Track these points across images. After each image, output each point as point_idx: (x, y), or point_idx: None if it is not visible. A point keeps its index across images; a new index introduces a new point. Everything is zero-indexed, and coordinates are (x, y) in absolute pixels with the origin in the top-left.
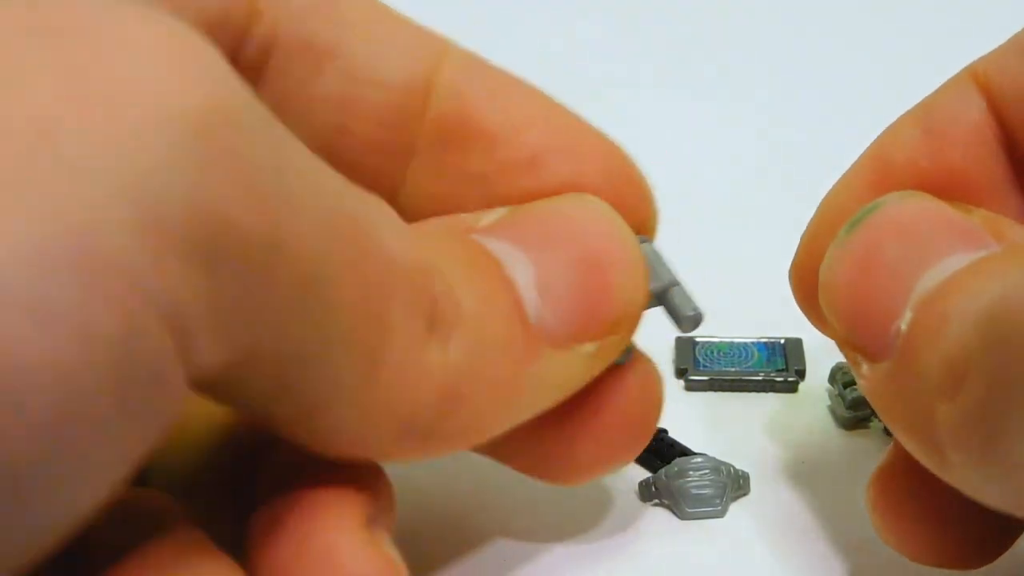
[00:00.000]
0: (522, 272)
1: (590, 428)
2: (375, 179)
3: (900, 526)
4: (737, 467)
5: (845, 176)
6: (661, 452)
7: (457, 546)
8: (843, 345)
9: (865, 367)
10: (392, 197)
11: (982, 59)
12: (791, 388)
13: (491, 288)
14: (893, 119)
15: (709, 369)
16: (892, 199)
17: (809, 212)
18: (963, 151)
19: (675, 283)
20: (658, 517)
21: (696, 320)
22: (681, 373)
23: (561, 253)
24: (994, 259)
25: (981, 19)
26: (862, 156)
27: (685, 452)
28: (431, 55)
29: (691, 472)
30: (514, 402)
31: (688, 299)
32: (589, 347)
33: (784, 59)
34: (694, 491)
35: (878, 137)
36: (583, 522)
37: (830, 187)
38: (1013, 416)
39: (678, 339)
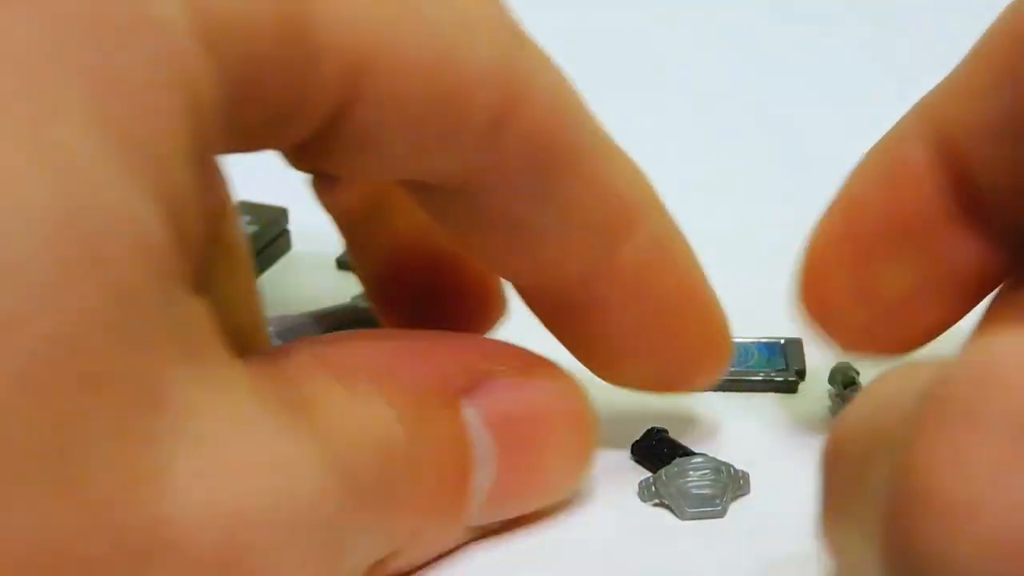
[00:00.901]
0: (485, 474)
1: None
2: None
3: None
4: (737, 467)
5: (822, 220)
6: (661, 452)
7: None
8: None
9: None
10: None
11: (927, 99)
12: (791, 388)
13: (448, 488)
14: (890, 118)
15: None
16: None
17: (809, 212)
18: (914, 196)
19: None
20: (658, 517)
21: None
22: None
23: (525, 465)
24: None
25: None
26: (835, 198)
27: (686, 452)
28: (615, 239)
29: (691, 472)
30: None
31: None
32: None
33: (784, 58)
34: (694, 491)
35: (842, 185)
36: (582, 521)
37: (807, 232)
38: None
39: None
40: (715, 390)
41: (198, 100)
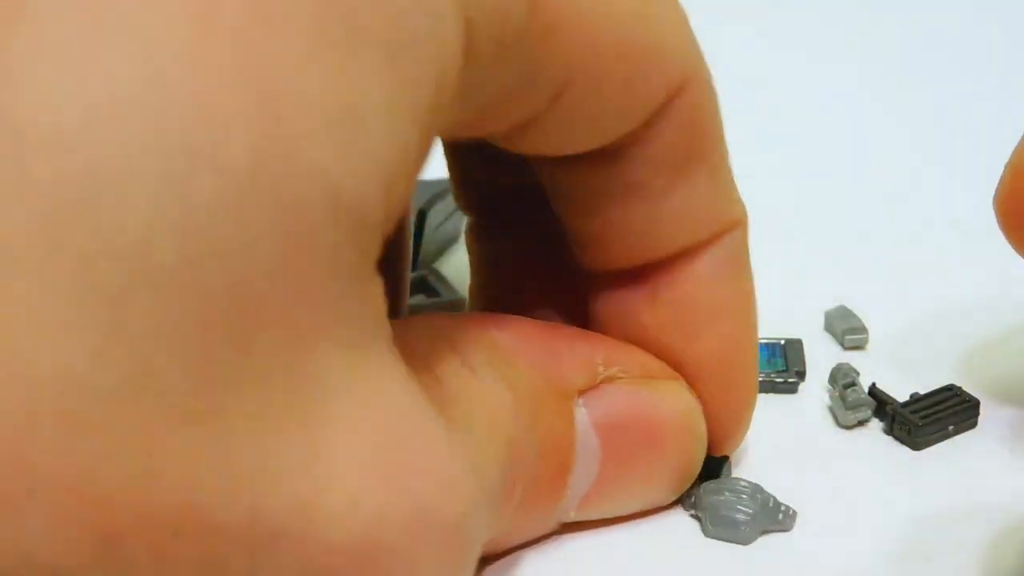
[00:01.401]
0: (585, 474)
1: None
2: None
3: None
4: (784, 503)
5: None
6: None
7: None
8: None
9: None
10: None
11: None
12: (791, 389)
13: (545, 480)
14: (889, 117)
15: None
16: None
17: (809, 213)
18: None
19: None
20: (688, 526)
21: None
22: None
23: (627, 472)
24: None
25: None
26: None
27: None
28: (717, 229)
29: (727, 492)
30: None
31: None
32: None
33: (784, 55)
34: (723, 512)
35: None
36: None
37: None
38: None
39: None
40: None
41: (444, 72)
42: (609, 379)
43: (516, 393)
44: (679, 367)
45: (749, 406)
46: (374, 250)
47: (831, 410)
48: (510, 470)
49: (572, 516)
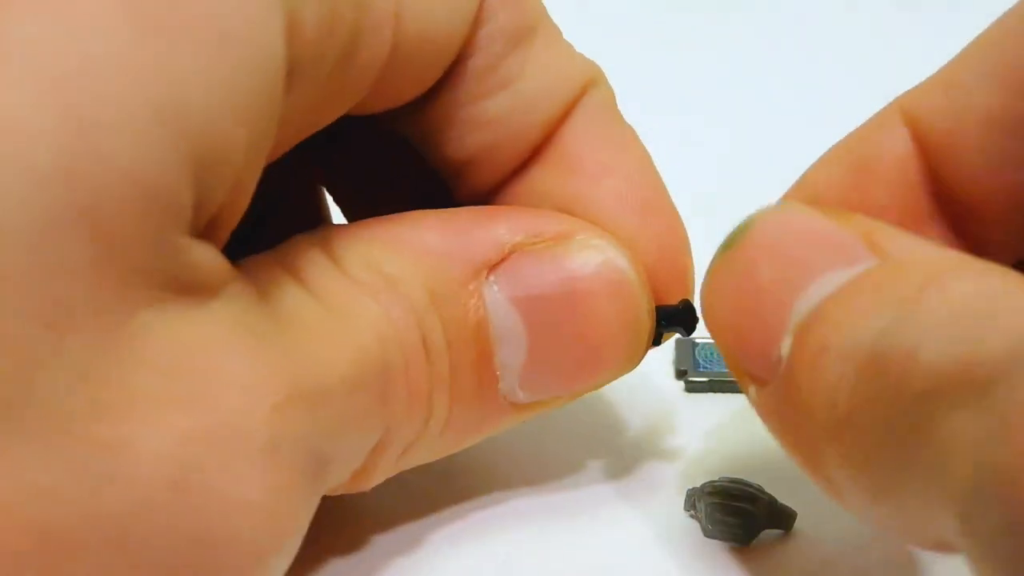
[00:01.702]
0: (511, 352)
1: None
2: (487, 187)
3: None
4: (784, 504)
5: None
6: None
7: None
8: (731, 368)
9: (752, 390)
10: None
11: (908, 93)
12: None
13: (468, 368)
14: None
15: (709, 371)
16: (763, 214)
17: None
18: (887, 187)
19: None
20: (685, 525)
21: None
22: (681, 375)
23: (561, 338)
24: (867, 284)
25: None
26: (791, 190)
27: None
28: (579, 90)
29: (727, 493)
30: (469, 444)
31: None
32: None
33: (783, 60)
34: (721, 513)
35: (806, 171)
36: (618, 513)
37: None
38: (901, 468)
39: (678, 341)
40: (715, 391)
41: (265, 69)
42: (518, 248)
43: (402, 287)
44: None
45: (679, 237)
46: (189, 220)
47: None
48: (386, 367)
49: (522, 396)
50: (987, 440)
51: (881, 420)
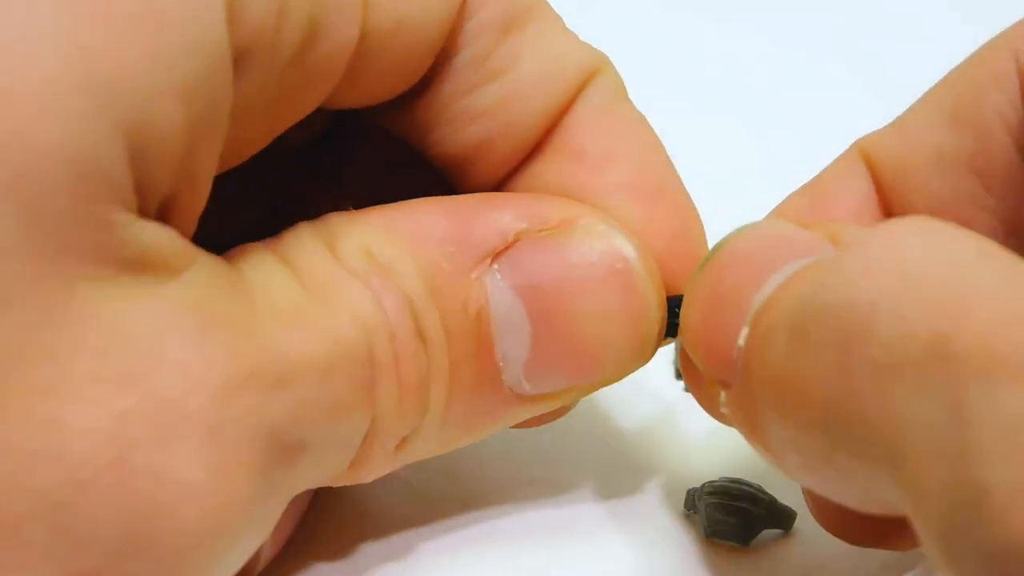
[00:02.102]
0: (514, 343)
1: None
2: (490, 182)
3: (833, 513)
4: (784, 504)
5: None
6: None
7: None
8: (704, 383)
9: (722, 396)
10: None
11: (869, 136)
12: None
13: (468, 358)
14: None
15: None
16: (734, 233)
17: None
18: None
19: None
20: (686, 525)
21: None
22: (680, 375)
23: (567, 328)
24: (819, 261)
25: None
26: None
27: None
28: (581, 79)
29: (727, 493)
30: (478, 437)
31: None
32: (572, 395)
33: (783, 65)
34: (719, 513)
35: (778, 205)
36: (619, 509)
37: None
38: (835, 443)
39: (678, 341)
40: None
41: (207, 50)
42: (522, 235)
43: (397, 274)
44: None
45: (691, 225)
46: (145, 206)
47: None
48: (371, 356)
49: (528, 388)
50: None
51: (816, 383)
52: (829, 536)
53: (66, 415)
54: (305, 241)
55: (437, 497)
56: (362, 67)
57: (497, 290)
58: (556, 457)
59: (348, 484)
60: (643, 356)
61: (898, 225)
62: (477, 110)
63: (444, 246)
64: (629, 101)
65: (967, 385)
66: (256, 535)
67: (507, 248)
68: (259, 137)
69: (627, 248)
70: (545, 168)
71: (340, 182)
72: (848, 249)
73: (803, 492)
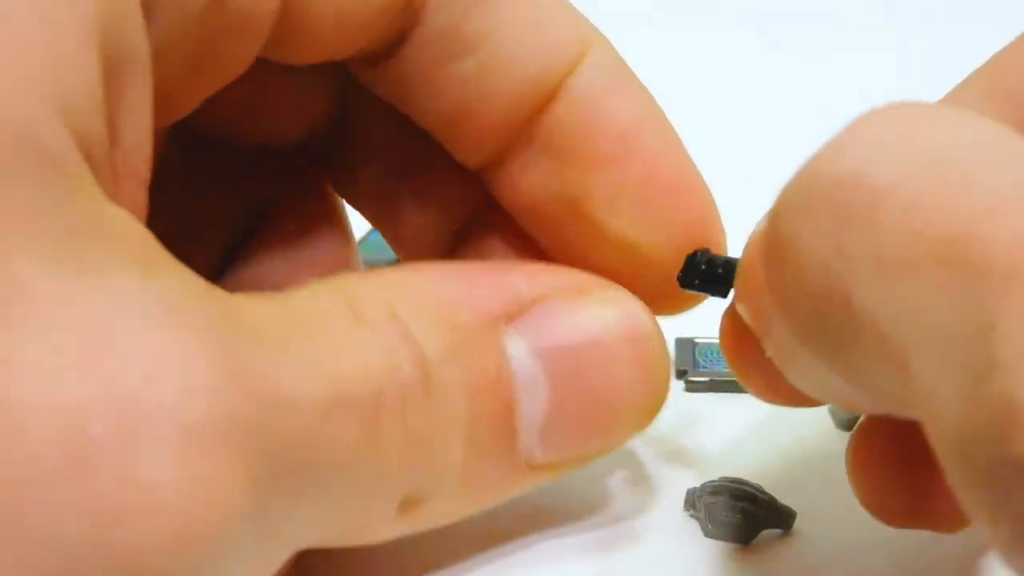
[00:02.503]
0: (533, 405)
1: None
2: (479, 156)
3: (875, 488)
4: (784, 504)
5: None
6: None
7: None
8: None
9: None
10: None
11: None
12: None
13: (488, 419)
14: None
15: (708, 370)
16: None
17: None
18: None
19: None
20: (686, 525)
21: None
22: (681, 374)
23: (581, 393)
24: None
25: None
26: None
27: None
28: (572, 53)
29: (727, 493)
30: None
31: None
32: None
33: (777, 55)
34: (723, 512)
35: (945, 96)
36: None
37: None
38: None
39: (678, 340)
40: (715, 391)
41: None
42: (539, 300)
43: (414, 331)
44: (614, 201)
45: (705, 217)
46: (79, 177)
47: (830, 411)
48: (377, 400)
49: (539, 455)
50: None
51: (815, 273)
52: (829, 536)
53: (21, 391)
54: (319, 292)
55: None
56: (299, 19)
57: (517, 352)
58: None
59: (355, 544)
60: (649, 419)
61: (909, 104)
62: (453, 80)
63: (468, 308)
64: (627, 75)
65: (993, 296)
66: (244, 564)
67: (524, 312)
68: (196, 89)
69: (641, 314)
70: (544, 164)
71: (346, 184)
72: (856, 121)
73: (847, 467)
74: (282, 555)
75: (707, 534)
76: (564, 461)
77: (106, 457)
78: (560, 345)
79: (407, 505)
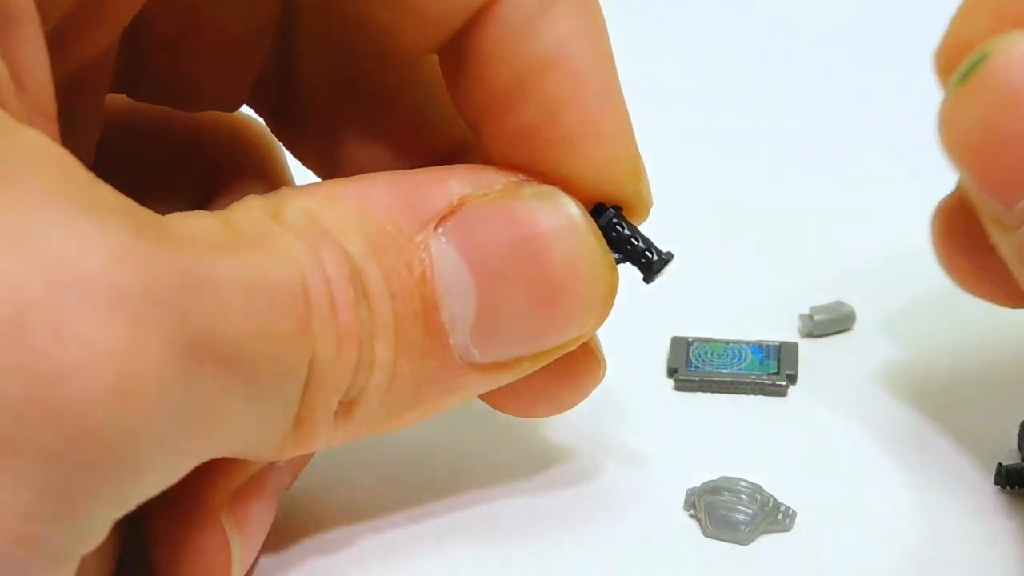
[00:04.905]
0: (460, 305)
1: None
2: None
3: (958, 257)
4: (784, 503)
5: None
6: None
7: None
8: (976, 207)
9: (993, 229)
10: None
11: None
12: (780, 392)
13: (412, 318)
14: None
15: (700, 370)
16: (1000, 47)
17: (812, 213)
18: None
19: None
20: (685, 525)
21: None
22: (672, 372)
23: (512, 290)
24: None
25: None
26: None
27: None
28: None
29: (727, 492)
30: (432, 408)
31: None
32: (524, 366)
33: (785, 63)
34: (722, 512)
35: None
36: (618, 514)
37: None
38: None
39: (673, 339)
40: (704, 391)
41: None
42: (467, 200)
43: (337, 235)
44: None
45: (617, 159)
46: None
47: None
48: (305, 295)
49: (477, 355)
50: None
51: None
52: (829, 536)
53: None
54: (249, 204)
55: (434, 500)
56: None
57: (442, 252)
58: (555, 458)
59: (297, 453)
60: (594, 317)
61: None
62: None
63: (388, 211)
64: (566, 3)
65: None
66: (179, 437)
67: (453, 212)
68: (105, 17)
69: (572, 207)
70: (456, 86)
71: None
72: None
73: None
74: (210, 447)
75: (707, 534)
76: (512, 361)
77: (40, 315)
78: (488, 245)
79: (343, 407)
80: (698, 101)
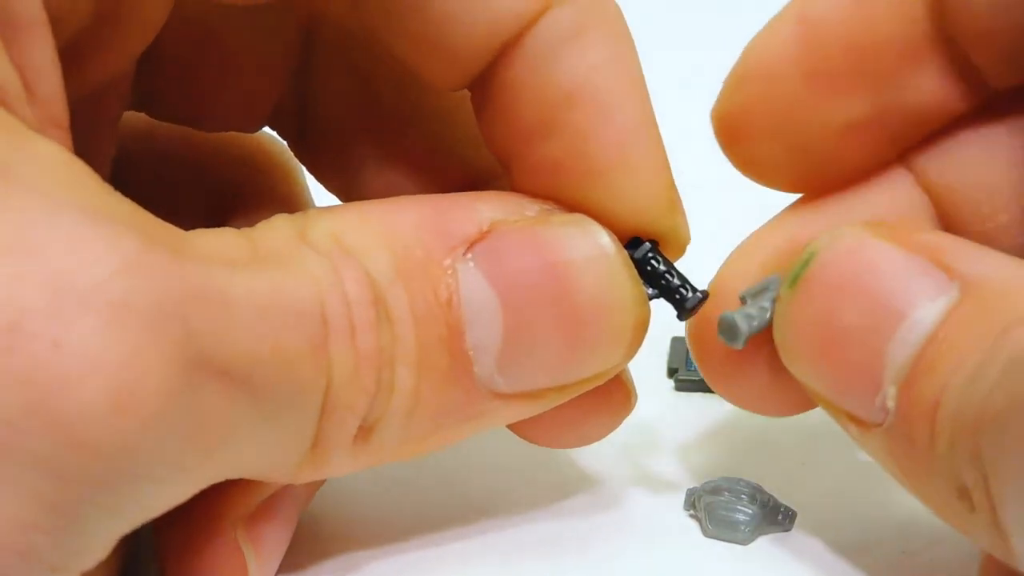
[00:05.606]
0: (486, 332)
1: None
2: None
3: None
4: (784, 504)
5: (769, 29)
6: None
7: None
8: (826, 409)
9: (854, 430)
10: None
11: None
12: None
13: (436, 344)
14: None
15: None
16: (826, 245)
17: None
18: (890, 20)
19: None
20: (685, 525)
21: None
22: (672, 372)
23: (540, 318)
24: (958, 327)
25: None
26: (785, 10)
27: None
28: (522, 14)
29: (727, 492)
30: (453, 436)
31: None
32: (551, 397)
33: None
34: (722, 512)
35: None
36: (618, 514)
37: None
38: None
39: (674, 339)
40: (704, 391)
41: None
42: (497, 225)
43: (362, 257)
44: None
45: (666, 188)
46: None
47: None
48: (323, 317)
49: (502, 384)
50: None
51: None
52: (829, 536)
53: None
54: (276, 223)
55: (435, 500)
56: None
57: (469, 278)
58: (555, 458)
59: (315, 478)
60: (622, 350)
61: None
62: (408, 29)
63: (418, 234)
64: (594, 34)
65: None
66: (182, 453)
67: (482, 237)
68: (122, 39)
69: (604, 239)
70: (484, 119)
71: (319, 161)
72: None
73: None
74: (220, 466)
75: (707, 534)
76: (538, 391)
77: (39, 323)
78: (517, 272)
79: (362, 432)
80: (698, 101)
